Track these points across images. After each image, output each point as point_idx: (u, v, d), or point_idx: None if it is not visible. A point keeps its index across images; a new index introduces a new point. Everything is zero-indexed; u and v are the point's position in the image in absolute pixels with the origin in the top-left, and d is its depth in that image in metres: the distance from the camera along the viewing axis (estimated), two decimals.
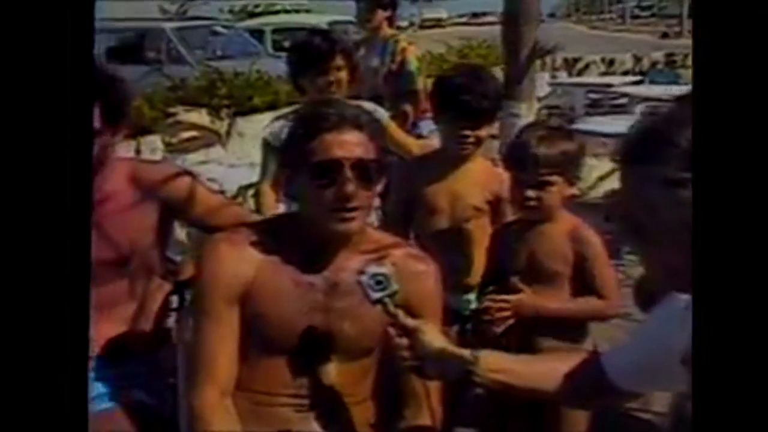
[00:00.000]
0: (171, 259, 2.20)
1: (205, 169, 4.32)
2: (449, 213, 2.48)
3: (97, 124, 1.87)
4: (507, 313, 2.16)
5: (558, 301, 2.16)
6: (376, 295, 1.54)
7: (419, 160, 2.73)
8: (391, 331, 1.56)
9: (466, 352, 1.52)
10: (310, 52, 2.84)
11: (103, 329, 1.96)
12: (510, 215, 2.40)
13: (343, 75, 2.84)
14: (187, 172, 2.12)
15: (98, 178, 1.93)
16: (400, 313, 1.56)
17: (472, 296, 2.43)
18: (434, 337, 1.54)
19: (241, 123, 6.18)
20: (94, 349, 1.96)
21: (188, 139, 4.49)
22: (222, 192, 3.96)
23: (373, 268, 1.56)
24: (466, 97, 2.34)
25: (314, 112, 1.67)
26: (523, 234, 2.22)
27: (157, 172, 2.03)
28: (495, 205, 2.49)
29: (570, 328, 2.17)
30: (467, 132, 2.39)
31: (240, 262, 1.65)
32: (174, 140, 4.47)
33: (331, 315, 1.67)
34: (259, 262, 1.66)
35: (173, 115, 4.76)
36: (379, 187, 1.68)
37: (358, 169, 1.60)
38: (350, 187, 1.58)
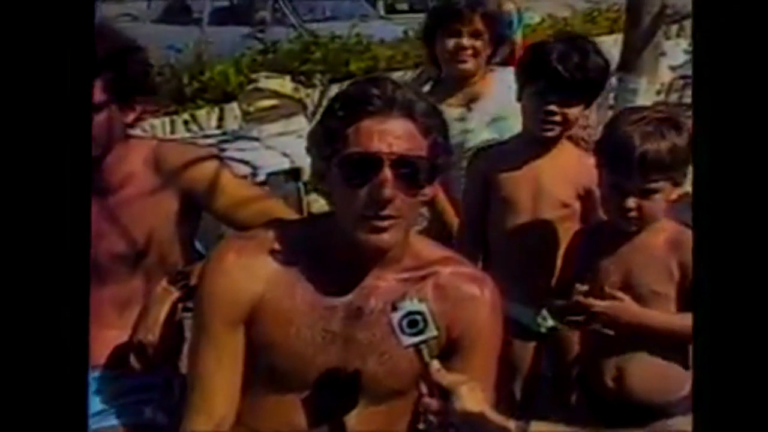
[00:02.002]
0: (202, 254, 1.93)
1: (281, 141, 4.05)
2: (530, 208, 2.14)
3: (99, 97, 1.61)
4: (601, 318, 1.81)
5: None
6: (409, 341, 1.27)
7: (499, 144, 2.33)
8: (422, 388, 1.27)
9: (511, 424, 1.22)
10: (447, 8, 2.51)
11: (112, 334, 1.74)
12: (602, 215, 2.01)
13: (481, 44, 2.49)
14: (215, 156, 1.84)
15: (109, 160, 1.71)
16: (435, 366, 1.27)
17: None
18: (474, 400, 1.25)
19: (335, 90, 5.88)
20: (100, 357, 1.72)
21: (268, 108, 4.24)
22: (296, 169, 3.69)
23: (408, 305, 1.27)
24: (558, 66, 1.97)
25: (356, 91, 1.37)
26: (615, 244, 1.84)
27: (178, 155, 1.78)
28: (586, 201, 2.11)
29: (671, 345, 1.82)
30: (553, 108, 2.01)
31: (247, 275, 1.39)
32: (252, 109, 4.23)
33: (350, 348, 1.38)
34: (270, 276, 1.39)
35: (254, 81, 4.53)
36: (428, 191, 1.39)
37: (401, 167, 1.31)
38: (387, 191, 1.30)
